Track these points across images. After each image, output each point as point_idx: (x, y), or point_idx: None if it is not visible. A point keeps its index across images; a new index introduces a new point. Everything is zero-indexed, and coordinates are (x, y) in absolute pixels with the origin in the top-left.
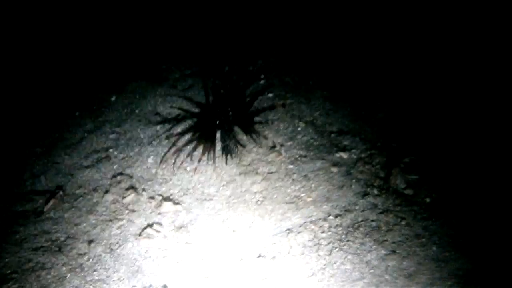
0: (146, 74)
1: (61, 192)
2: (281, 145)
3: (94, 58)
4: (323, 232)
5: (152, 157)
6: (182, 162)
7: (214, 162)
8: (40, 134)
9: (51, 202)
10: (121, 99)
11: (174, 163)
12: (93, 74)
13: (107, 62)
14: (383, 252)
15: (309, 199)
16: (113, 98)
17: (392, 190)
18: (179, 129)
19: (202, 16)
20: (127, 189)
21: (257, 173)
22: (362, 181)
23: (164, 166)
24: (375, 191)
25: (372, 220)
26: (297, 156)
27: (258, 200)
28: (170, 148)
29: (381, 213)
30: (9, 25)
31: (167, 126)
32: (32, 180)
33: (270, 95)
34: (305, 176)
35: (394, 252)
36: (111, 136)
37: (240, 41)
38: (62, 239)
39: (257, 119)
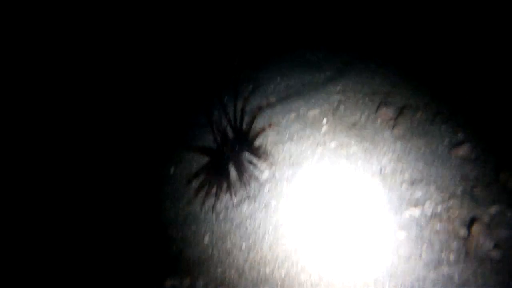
0: None
1: None
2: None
3: None
4: None
5: (208, 234)
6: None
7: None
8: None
9: None
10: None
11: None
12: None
13: None
14: None
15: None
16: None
17: (474, 253)
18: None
19: None
20: (185, 273)
21: None
22: (436, 244)
23: (220, 244)
24: (452, 257)
25: None
26: (360, 220)
27: None
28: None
29: None
30: None
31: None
32: None
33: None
34: None
35: None
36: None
37: None
38: None
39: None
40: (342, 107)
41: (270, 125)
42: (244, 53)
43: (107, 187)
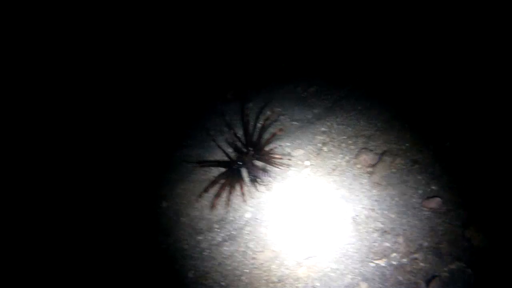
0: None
1: None
2: (313, 256)
3: None
4: None
5: (192, 271)
6: None
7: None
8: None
9: None
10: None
11: None
12: None
13: None
14: None
15: None
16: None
17: None
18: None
19: None
20: None
21: None
22: None
23: (202, 280)
24: None
25: None
26: (327, 270)
27: None
28: None
29: None
30: None
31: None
32: None
33: None
34: None
35: None
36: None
37: None
38: None
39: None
40: (325, 149)
41: (280, 130)
42: (239, 84)
43: (102, 218)
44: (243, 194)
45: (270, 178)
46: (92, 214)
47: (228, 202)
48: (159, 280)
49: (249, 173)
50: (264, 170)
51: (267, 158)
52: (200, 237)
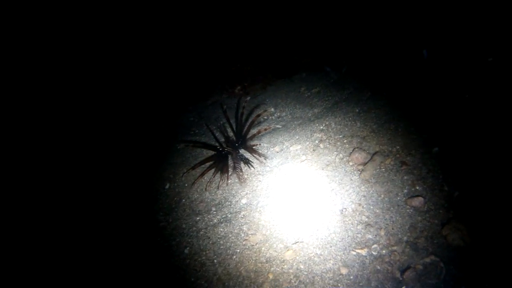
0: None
1: None
2: (300, 242)
3: None
4: None
5: (188, 248)
6: None
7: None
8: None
9: None
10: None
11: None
12: None
13: None
14: None
15: None
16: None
17: None
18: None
19: None
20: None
21: None
22: (373, 282)
23: (196, 256)
24: None
25: None
26: (312, 255)
27: None
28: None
29: None
30: None
31: (207, 215)
32: None
33: None
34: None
35: None
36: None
37: None
38: None
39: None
40: (321, 146)
41: (265, 129)
42: (248, 80)
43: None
44: (221, 179)
45: (248, 168)
46: (101, 191)
47: (208, 184)
48: (157, 254)
49: (233, 161)
50: (245, 160)
51: (251, 151)
52: (198, 218)
